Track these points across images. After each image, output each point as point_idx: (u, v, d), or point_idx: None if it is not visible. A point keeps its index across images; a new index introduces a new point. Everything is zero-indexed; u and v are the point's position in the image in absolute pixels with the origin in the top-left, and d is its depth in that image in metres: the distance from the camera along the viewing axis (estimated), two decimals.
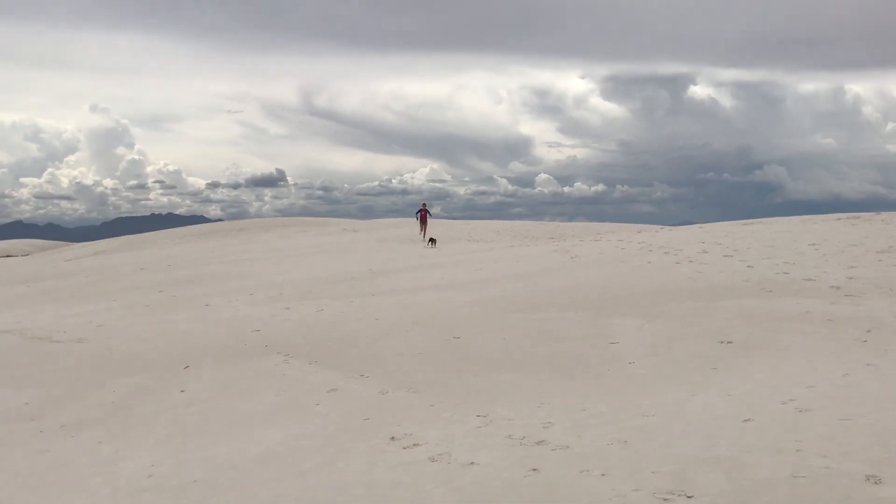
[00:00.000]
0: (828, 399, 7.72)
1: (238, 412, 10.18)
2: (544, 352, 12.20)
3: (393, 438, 8.02)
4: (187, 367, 12.63)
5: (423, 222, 38.43)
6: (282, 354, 12.82)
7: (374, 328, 14.37)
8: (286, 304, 17.95)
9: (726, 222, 30.53)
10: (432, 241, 34.26)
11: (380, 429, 8.61)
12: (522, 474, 6.08)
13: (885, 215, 26.74)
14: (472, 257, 27.27)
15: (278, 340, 13.85)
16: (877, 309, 13.50)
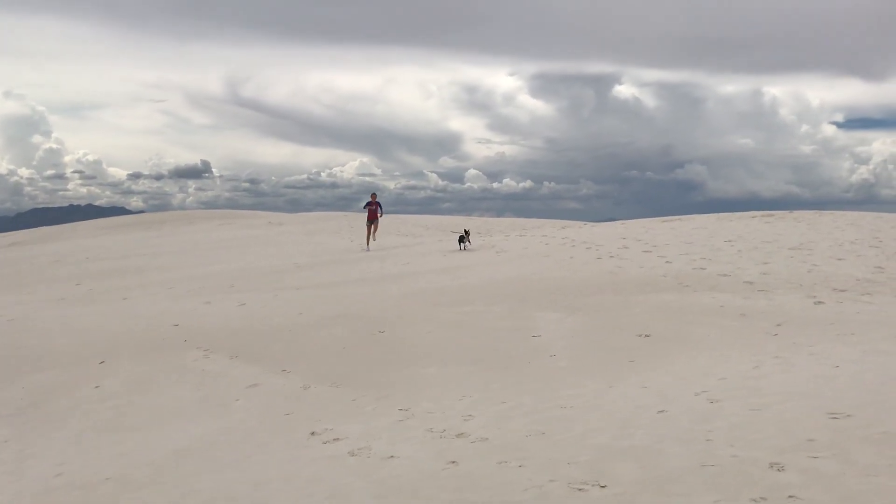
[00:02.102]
0: (738, 390, 7.98)
1: (154, 408, 9.93)
2: (469, 345, 12.27)
3: (313, 433, 7.95)
4: (102, 362, 12.25)
5: (373, 220, 28.90)
6: (201, 349, 12.55)
7: (297, 322, 14.21)
8: (207, 298, 17.59)
9: (647, 219, 31.27)
10: (463, 239, 24.90)
11: (300, 424, 8.52)
12: (441, 467, 6.11)
13: (797, 213, 27.84)
14: (400, 251, 27.25)
15: (198, 335, 13.55)
16: (787, 303, 14.05)
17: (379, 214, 28.98)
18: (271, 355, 12.04)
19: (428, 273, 19.91)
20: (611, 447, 6.19)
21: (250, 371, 11.22)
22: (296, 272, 22.19)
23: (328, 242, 34.23)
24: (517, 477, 5.63)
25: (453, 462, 6.20)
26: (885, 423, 6.21)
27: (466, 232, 25.15)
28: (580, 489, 5.22)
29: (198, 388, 10.61)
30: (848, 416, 6.55)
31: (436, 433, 7.36)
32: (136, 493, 6.65)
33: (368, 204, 28.77)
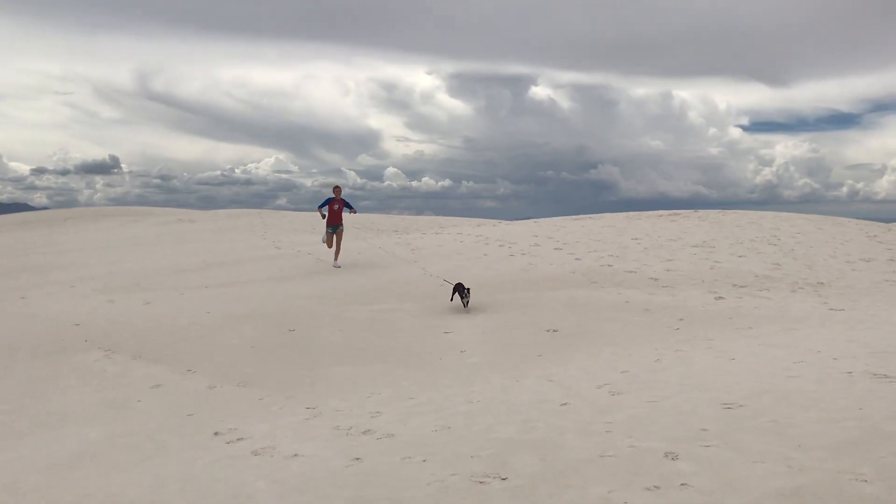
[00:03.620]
0: (638, 383, 8.21)
1: (51, 411, 9.52)
2: (380, 343, 12.25)
3: (217, 433, 7.77)
4: None
5: (337, 224, 20.54)
6: (103, 349, 12.11)
7: (205, 321, 13.88)
8: (110, 297, 16.99)
9: (559, 217, 31.82)
10: (460, 293, 14.67)
11: (204, 424, 8.33)
12: (345, 464, 6.06)
13: (701, 212, 28.83)
14: (315, 249, 26.95)
15: (100, 335, 13.07)
16: (689, 298, 14.54)
17: (349, 212, 20.67)
18: (176, 355, 11.72)
19: (340, 271, 19.76)
20: (513, 440, 6.26)
21: (154, 371, 10.91)
22: (205, 270, 21.67)
23: (240, 240, 33.53)
24: (420, 472, 5.64)
25: (357, 459, 6.16)
26: (775, 413, 6.49)
27: (464, 290, 14.53)
28: (481, 482, 5.27)
29: (98, 390, 10.23)
30: (740, 406, 6.81)
31: (342, 431, 7.31)
32: (25, 499, 6.36)
33: (329, 202, 20.14)
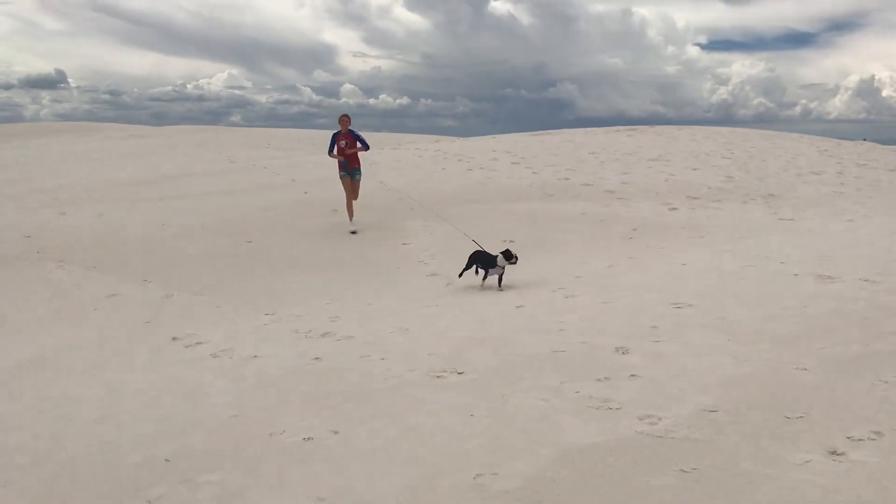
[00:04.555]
0: (592, 287, 8.39)
1: (5, 320, 9.42)
2: (338, 253, 12.26)
3: (174, 339, 7.79)
4: None
5: (352, 168, 14.42)
6: (55, 261, 11.92)
7: (160, 233, 13.71)
8: (61, 210, 16.64)
9: (517, 133, 31.71)
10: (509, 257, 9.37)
11: (161, 330, 8.34)
12: (305, 363, 6.15)
13: (658, 128, 28.94)
14: (271, 164, 26.56)
15: (52, 247, 12.84)
16: (644, 210, 14.75)
17: (360, 150, 14.47)
18: (131, 266, 11.60)
19: (300, 184, 19.56)
20: (470, 339, 6.40)
21: (109, 281, 10.80)
22: (158, 183, 21.28)
23: (194, 155, 32.89)
24: (379, 369, 5.75)
25: (316, 358, 6.25)
26: (721, 311, 6.70)
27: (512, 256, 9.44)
28: (438, 376, 5.39)
29: (52, 300, 10.13)
30: (690, 305, 7.02)
31: (301, 334, 7.38)
32: None
33: (337, 137, 14.43)
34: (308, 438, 4.44)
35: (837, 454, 3.68)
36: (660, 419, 4.26)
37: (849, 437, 3.86)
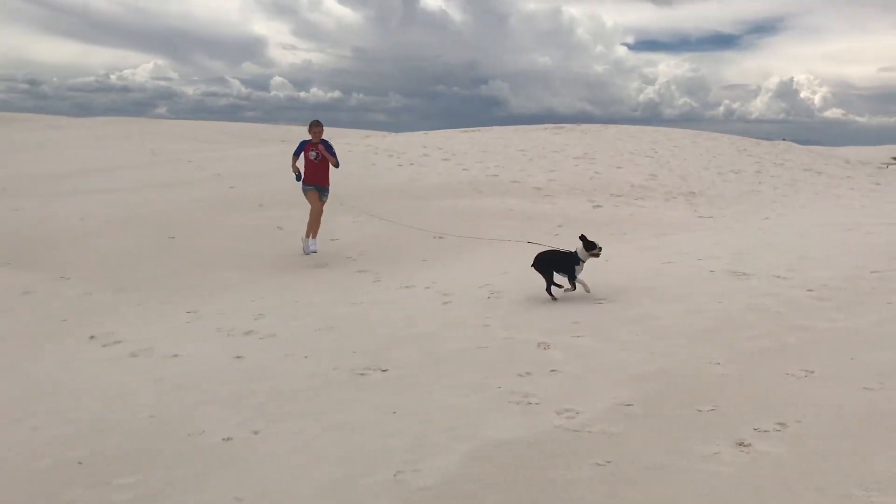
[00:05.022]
0: (517, 283, 8.49)
1: None
2: (264, 250, 12.10)
3: (92, 337, 7.58)
4: None
5: (319, 183, 12.04)
6: None
7: (79, 228, 13.29)
8: None
9: (448, 130, 31.80)
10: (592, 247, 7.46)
11: (79, 329, 8.08)
12: (227, 362, 6.07)
13: (584, 126, 29.45)
14: (197, 157, 26.02)
15: None
16: (569, 206, 15.01)
17: (331, 163, 12.11)
18: (48, 262, 11.21)
19: (227, 178, 19.21)
20: (395, 336, 6.42)
21: (24, 279, 10.41)
22: (79, 177, 20.60)
23: (117, 148, 31.95)
24: (302, 367, 5.72)
25: (239, 357, 6.17)
26: (642, 306, 6.88)
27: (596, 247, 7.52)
28: (362, 374, 5.39)
29: None
30: (611, 301, 7.19)
31: (224, 332, 7.27)
32: None
33: (305, 146, 12.22)
34: (227, 439, 4.39)
35: (744, 445, 3.83)
36: (577, 413, 4.35)
37: (756, 429, 4.01)
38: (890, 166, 29.60)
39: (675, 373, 5.00)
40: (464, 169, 19.39)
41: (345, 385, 5.21)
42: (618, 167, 19.68)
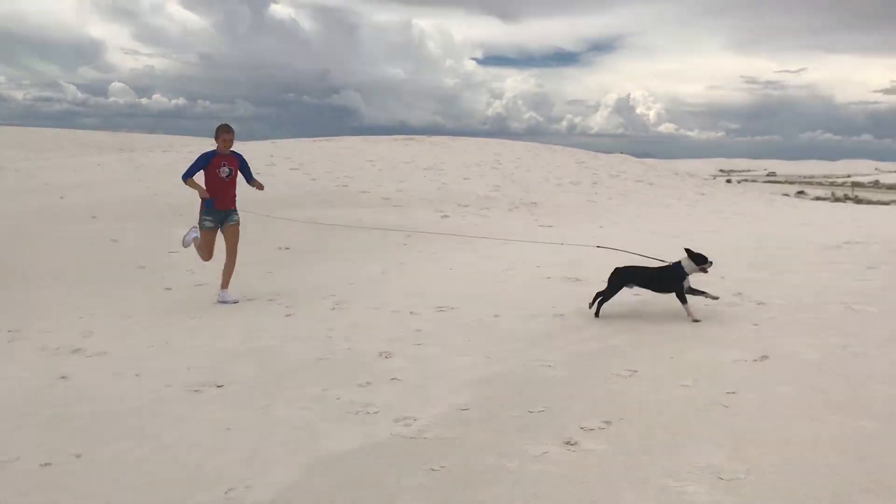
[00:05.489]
0: (363, 293, 8.50)
1: None
2: (96, 263, 11.45)
3: None
4: None
5: (221, 209, 9.05)
6: None
7: None
8: None
9: (297, 139, 31.42)
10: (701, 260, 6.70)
11: None
12: (49, 382, 5.68)
13: (434, 138, 29.93)
14: (23, 165, 24.33)
15: None
16: (418, 217, 15.18)
17: (250, 184, 9.56)
18: None
19: (52, 189, 18.05)
20: (234, 350, 6.25)
21: None
22: None
23: None
24: (132, 386, 5.45)
25: (64, 377, 5.80)
26: (482, 313, 7.07)
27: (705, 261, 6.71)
28: (196, 391, 5.21)
29: None
30: (452, 308, 7.33)
31: (49, 351, 6.81)
32: None
33: (208, 160, 8.93)
34: (46, 464, 4.11)
35: (572, 444, 4.00)
36: (415, 420, 4.41)
37: (582, 428, 4.20)
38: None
39: (511, 376, 5.17)
40: (312, 179, 19.20)
41: (178, 403, 5.02)
42: (464, 178, 20.12)
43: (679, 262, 6.65)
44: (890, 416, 4.20)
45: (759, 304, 7.04)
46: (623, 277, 6.81)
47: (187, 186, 8.87)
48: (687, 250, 6.73)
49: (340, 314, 7.44)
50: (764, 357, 5.35)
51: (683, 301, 6.52)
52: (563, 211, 16.78)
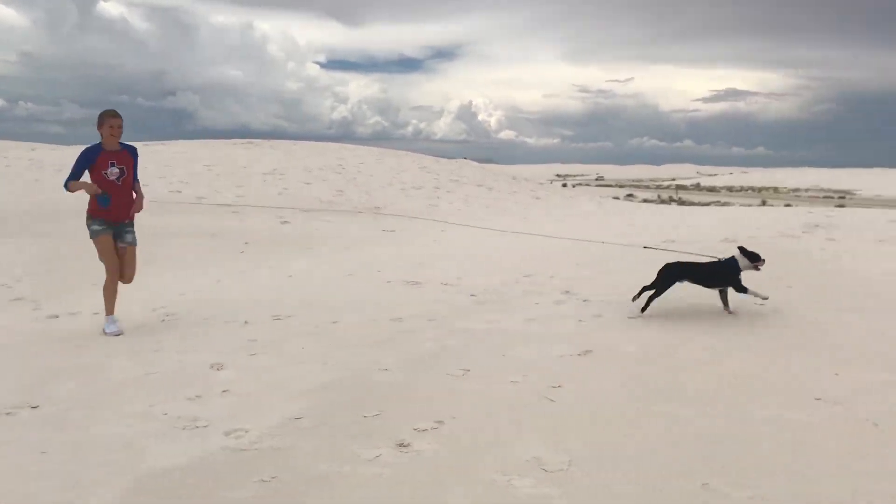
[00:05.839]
0: (195, 303, 8.21)
1: None
2: None
3: None
4: None
5: (121, 213, 7.29)
6: None
7: None
8: None
9: (129, 143, 29.86)
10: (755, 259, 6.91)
11: None
12: None
13: (274, 142, 29.39)
14: None
15: None
16: (257, 223, 14.85)
17: (135, 191, 7.60)
18: None
19: None
20: (52, 368, 5.86)
21: None
22: None
23: None
24: None
25: None
26: (320, 319, 7.01)
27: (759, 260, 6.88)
28: (9, 413, 4.84)
29: None
30: (289, 316, 7.22)
31: None
32: None
33: (99, 157, 7.14)
34: None
35: (404, 446, 4.05)
36: (246, 432, 4.30)
37: (415, 429, 4.26)
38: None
39: (347, 382, 5.16)
40: (144, 185, 18.29)
41: None
42: (307, 183, 19.87)
43: (733, 257, 6.77)
44: (704, 404, 4.54)
45: (584, 300, 7.41)
46: (674, 273, 6.78)
47: (72, 193, 7.21)
48: (740, 248, 6.87)
49: (169, 326, 7.15)
50: (587, 351, 5.64)
51: (744, 291, 6.63)
52: (406, 215, 16.93)
